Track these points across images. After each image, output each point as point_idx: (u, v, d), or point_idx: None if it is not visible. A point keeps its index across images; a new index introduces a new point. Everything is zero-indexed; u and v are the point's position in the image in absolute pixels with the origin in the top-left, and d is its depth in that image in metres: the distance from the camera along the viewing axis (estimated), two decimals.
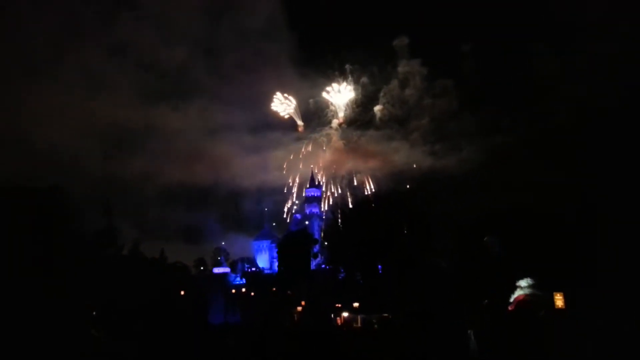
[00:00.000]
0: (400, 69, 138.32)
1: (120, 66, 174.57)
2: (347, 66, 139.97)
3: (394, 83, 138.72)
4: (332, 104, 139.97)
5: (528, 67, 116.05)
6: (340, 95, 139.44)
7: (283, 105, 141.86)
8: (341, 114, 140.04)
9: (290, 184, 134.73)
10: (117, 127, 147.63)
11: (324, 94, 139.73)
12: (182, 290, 74.18)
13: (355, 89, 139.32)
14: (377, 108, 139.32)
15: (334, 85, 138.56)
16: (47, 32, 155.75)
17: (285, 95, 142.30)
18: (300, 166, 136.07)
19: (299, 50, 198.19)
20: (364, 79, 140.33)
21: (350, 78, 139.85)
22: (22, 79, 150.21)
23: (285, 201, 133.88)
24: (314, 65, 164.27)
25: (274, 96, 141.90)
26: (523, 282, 25.18)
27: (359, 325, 56.86)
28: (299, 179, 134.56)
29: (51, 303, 29.95)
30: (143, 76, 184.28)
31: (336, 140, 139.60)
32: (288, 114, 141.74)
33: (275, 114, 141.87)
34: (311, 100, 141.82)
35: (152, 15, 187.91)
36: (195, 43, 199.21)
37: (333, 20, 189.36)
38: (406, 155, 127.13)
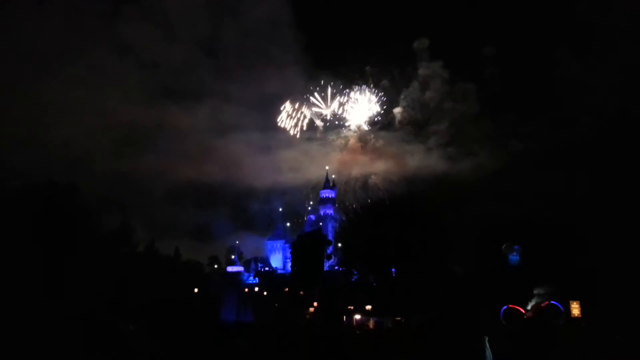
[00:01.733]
0: (420, 71, 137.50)
1: (126, 65, 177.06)
2: (367, 68, 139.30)
3: (415, 85, 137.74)
4: (351, 106, 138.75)
5: (550, 75, 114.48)
6: (360, 99, 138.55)
7: (294, 119, 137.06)
8: (360, 117, 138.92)
9: (305, 185, 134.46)
10: (127, 126, 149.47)
11: (344, 99, 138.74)
12: (196, 287, 74.82)
13: (375, 94, 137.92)
14: (396, 110, 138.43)
15: (355, 87, 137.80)
16: (51, 30, 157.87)
17: (296, 106, 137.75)
18: (314, 167, 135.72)
19: (318, 52, 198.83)
20: (384, 82, 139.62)
21: (370, 80, 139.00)
22: (32, 78, 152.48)
23: (298, 201, 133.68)
24: (334, 67, 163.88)
25: (282, 108, 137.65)
26: (540, 290, 24.89)
27: (371, 328, 56.70)
28: (313, 179, 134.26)
29: (67, 300, 30.38)
30: (150, 75, 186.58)
31: (353, 142, 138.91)
32: (297, 130, 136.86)
33: (284, 130, 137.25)
34: (330, 102, 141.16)
35: (154, 13, 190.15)
36: (200, 43, 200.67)
37: (350, 20, 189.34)
38: (423, 158, 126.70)
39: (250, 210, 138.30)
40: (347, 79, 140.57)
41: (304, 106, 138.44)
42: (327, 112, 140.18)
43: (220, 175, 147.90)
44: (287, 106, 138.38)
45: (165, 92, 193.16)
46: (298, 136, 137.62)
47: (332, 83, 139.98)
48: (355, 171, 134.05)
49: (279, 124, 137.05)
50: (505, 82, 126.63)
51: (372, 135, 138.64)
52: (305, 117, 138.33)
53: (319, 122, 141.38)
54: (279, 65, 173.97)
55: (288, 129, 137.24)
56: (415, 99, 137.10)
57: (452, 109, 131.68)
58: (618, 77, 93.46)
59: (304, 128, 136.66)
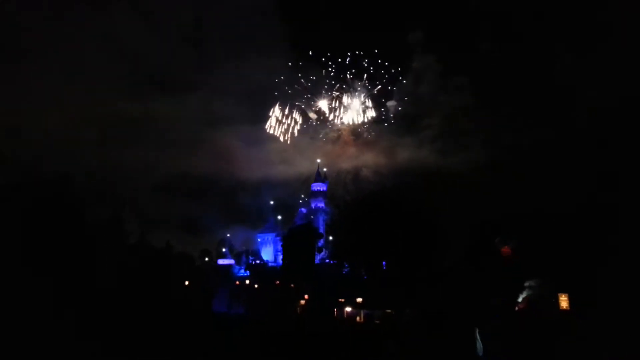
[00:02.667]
0: (414, 64, 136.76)
1: (112, 55, 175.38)
2: (359, 58, 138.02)
3: (408, 79, 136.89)
4: (344, 103, 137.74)
5: (547, 70, 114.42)
6: (352, 92, 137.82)
7: (284, 124, 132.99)
8: (352, 110, 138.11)
9: (296, 178, 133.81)
10: (115, 117, 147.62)
11: (335, 93, 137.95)
12: (187, 280, 74.87)
13: (368, 86, 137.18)
14: (390, 103, 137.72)
15: (347, 80, 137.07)
16: (35, 20, 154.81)
17: (285, 112, 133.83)
18: (305, 160, 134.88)
19: (308, 44, 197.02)
20: (378, 75, 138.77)
21: (363, 73, 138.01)
22: (14, 69, 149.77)
23: (289, 194, 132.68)
24: (325, 60, 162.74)
25: (271, 113, 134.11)
26: (532, 282, 25.35)
27: (362, 320, 57.19)
28: (304, 172, 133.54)
29: (62, 291, 30.34)
30: (136, 66, 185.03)
31: (345, 135, 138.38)
32: (288, 137, 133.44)
33: (272, 136, 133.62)
34: (321, 96, 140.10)
35: (138, 2, 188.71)
36: (185, 33, 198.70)
37: (342, 12, 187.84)
38: (415, 151, 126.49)
39: (241, 202, 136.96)
40: (340, 72, 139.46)
41: (294, 111, 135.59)
42: (318, 106, 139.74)
43: (210, 168, 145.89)
44: (276, 111, 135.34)
45: (153, 83, 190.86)
46: (289, 142, 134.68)
47: (323, 76, 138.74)
48: (347, 164, 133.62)
49: (267, 131, 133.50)
50: (500, 76, 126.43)
51: (364, 129, 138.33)
52: (296, 122, 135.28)
53: (312, 115, 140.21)
54: (267, 57, 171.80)
55: (278, 135, 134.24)
56: (409, 92, 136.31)
57: (446, 103, 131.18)
58: (617, 75, 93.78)
59: (296, 135, 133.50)
